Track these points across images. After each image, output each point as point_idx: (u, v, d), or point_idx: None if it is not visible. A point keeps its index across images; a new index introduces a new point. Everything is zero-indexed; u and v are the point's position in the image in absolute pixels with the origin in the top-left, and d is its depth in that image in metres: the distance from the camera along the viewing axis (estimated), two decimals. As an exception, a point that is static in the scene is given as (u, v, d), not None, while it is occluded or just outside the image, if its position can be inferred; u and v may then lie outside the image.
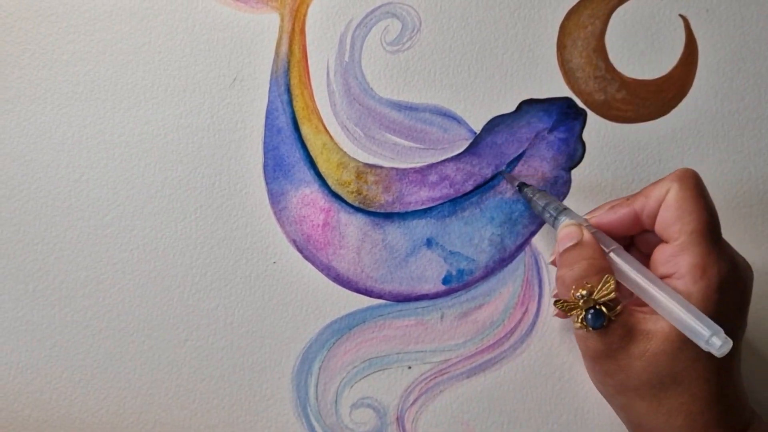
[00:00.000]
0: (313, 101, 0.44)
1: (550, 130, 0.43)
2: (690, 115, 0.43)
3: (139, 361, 0.43)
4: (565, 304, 0.35)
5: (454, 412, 0.43)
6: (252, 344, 0.43)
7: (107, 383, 0.43)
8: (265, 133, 0.44)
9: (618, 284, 0.35)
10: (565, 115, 0.44)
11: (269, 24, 0.44)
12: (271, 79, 0.44)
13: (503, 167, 0.43)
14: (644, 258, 0.38)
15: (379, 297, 0.43)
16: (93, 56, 0.44)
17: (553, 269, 0.43)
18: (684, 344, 0.33)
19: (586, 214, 0.39)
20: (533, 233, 0.43)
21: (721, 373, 0.34)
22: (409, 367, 0.43)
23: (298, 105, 0.44)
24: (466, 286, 0.43)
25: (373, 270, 0.43)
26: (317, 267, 0.43)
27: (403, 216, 0.43)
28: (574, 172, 0.43)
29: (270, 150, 0.44)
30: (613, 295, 0.34)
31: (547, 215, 0.39)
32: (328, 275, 0.43)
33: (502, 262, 0.43)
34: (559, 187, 0.43)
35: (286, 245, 0.43)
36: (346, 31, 0.44)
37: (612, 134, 0.43)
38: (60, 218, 0.44)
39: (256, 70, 0.44)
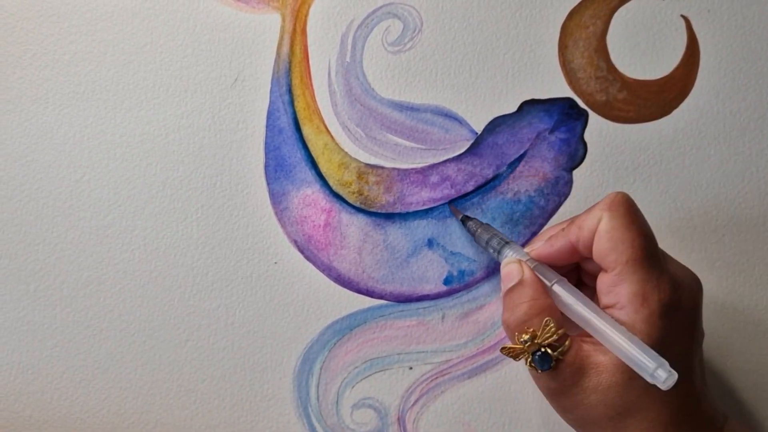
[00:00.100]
0: (315, 101, 0.44)
1: (552, 131, 0.43)
2: (691, 116, 0.43)
3: (140, 362, 0.43)
4: (511, 350, 0.35)
5: (455, 412, 0.43)
6: (253, 344, 0.43)
7: (108, 383, 0.43)
8: (266, 134, 0.44)
9: (564, 319, 0.35)
10: (566, 116, 0.43)
11: (270, 24, 0.44)
12: (272, 80, 0.44)
13: (503, 167, 0.43)
14: (592, 283, 0.38)
15: (381, 297, 0.43)
16: (94, 56, 0.44)
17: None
18: (635, 373, 0.33)
19: (527, 246, 0.39)
20: (534, 233, 0.43)
21: (679, 393, 0.34)
22: (411, 368, 0.43)
23: (300, 105, 0.44)
24: (468, 286, 0.43)
25: (375, 270, 0.43)
26: (318, 267, 0.43)
27: (405, 216, 0.43)
28: (575, 172, 0.43)
29: (271, 150, 0.44)
30: (555, 336, 0.34)
31: (491, 250, 0.40)
32: (329, 276, 0.43)
33: (503, 262, 0.43)
34: (561, 187, 0.43)
35: (288, 245, 0.43)
36: (347, 32, 0.44)
37: (613, 135, 0.43)
38: (61, 218, 0.44)
39: (258, 71, 0.44)
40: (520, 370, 0.43)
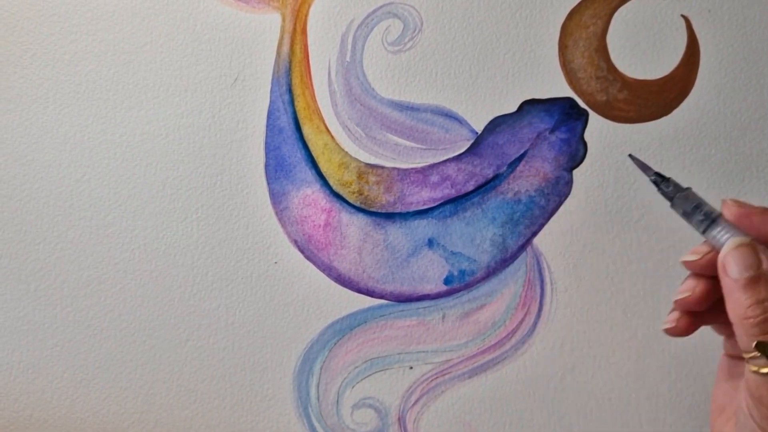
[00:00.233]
0: (315, 101, 0.44)
1: (552, 131, 0.43)
2: (692, 116, 0.43)
3: (140, 361, 0.43)
4: (767, 347, 0.30)
5: (455, 412, 0.43)
6: (253, 344, 0.43)
7: (108, 383, 0.43)
8: (266, 133, 0.44)
9: None
10: (566, 116, 0.43)
11: (271, 24, 0.44)
12: (272, 79, 0.44)
13: (504, 167, 0.43)
14: None
15: (381, 297, 0.43)
16: (95, 56, 0.44)
17: (555, 270, 0.43)
18: None
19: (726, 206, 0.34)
20: (535, 233, 0.43)
21: None
22: (411, 368, 0.43)
23: (300, 105, 0.44)
24: (468, 286, 0.43)
25: (375, 270, 0.43)
26: (318, 267, 0.43)
27: (405, 216, 0.43)
28: (575, 172, 0.43)
29: (271, 150, 0.44)
30: None
31: (696, 221, 0.34)
32: (329, 275, 0.43)
33: (503, 262, 0.43)
34: (561, 187, 0.43)
35: (288, 245, 0.43)
36: (347, 31, 0.44)
37: (614, 134, 0.43)
38: (61, 218, 0.44)
39: (258, 70, 0.44)
40: (520, 369, 0.42)
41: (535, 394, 0.42)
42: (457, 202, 0.43)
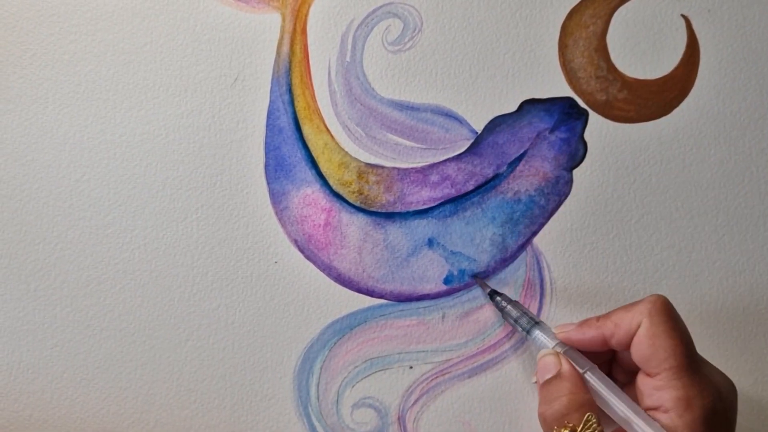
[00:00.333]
0: (315, 101, 0.44)
1: (552, 130, 0.43)
2: (692, 115, 0.43)
3: (140, 361, 0.43)
4: None
5: (455, 412, 0.43)
6: (253, 344, 0.43)
7: (108, 383, 0.43)
8: (266, 133, 0.44)
9: (601, 414, 0.35)
10: (566, 115, 0.44)
11: (271, 24, 0.44)
12: (272, 79, 0.44)
13: (504, 166, 0.43)
14: (621, 374, 0.39)
15: (381, 297, 0.43)
16: (94, 56, 0.44)
17: (555, 270, 0.43)
18: None
19: (556, 327, 0.39)
20: (535, 233, 0.43)
21: None
22: (411, 367, 0.43)
23: (300, 105, 0.44)
24: (468, 286, 0.43)
25: (375, 270, 0.43)
26: (318, 267, 0.43)
27: (405, 216, 0.43)
28: (575, 172, 0.43)
29: (271, 150, 0.44)
30: None
31: (519, 328, 0.40)
32: (329, 275, 0.43)
33: (503, 262, 0.43)
34: (561, 187, 0.43)
35: (288, 245, 0.43)
36: (347, 31, 0.44)
37: (614, 134, 0.43)
38: (61, 218, 0.44)
39: (258, 70, 0.44)
40: (520, 369, 0.42)
41: (535, 394, 0.42)
42: (457, 201, 0.43)
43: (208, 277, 0.43)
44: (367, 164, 0.44)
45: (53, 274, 0.43)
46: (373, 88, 0.44)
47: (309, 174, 0.44)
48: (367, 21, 0.44)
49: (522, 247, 0.43)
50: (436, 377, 0.43)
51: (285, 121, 0.44)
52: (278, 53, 0.44)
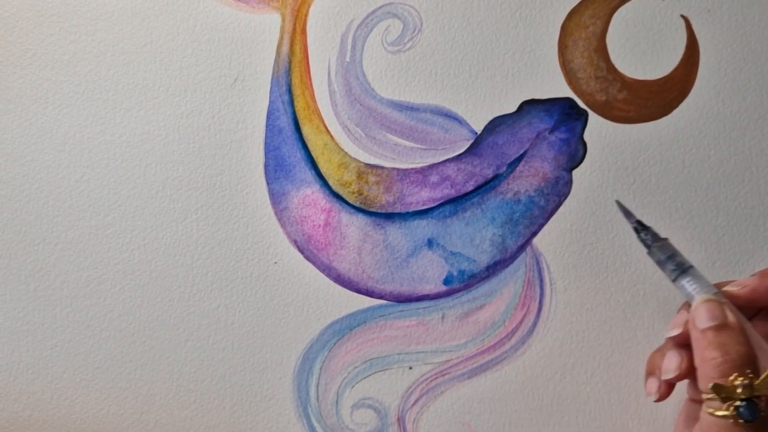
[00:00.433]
0: (314, 101, 0.44)
1: (552, 131, 0.43)
2: (691, 116, 0.43)
3: (140, 362, 0.43)
4: (723, 389, 0.32)
5: (455, 412, 0.43)
6: (253, 344, 0.43)
7: (108, 383, 0.43)
8: (266, 133, 0.44)
9: None
10: (566, 116, 0.43)
11: (270, 24, 0.44)
12: (272, 79, 0.44)
13: (503, 167, 0.43)
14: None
15: (380, 297, 0.43)
16: (94, 56, 0.44)
17: (554, 270, 0.43)
18: None
19: (730, 285, 0.37)
20: (534, 233, 0.43)
21: None
22: (410, 368, 0.43)
23: (299, 105, 0.44)
24: (468, 286, 0.43)
25: (374, 270, 0.43)
26: (318, 267, 0.43)
27: (404, 216, 0.43)
28: (575, 172, 0.43)
29: (271, 150, 0.44)
30: None
31: (667, 273, 0.37)
32: (329, 275, 0.43)
33: (503, 262, 0.43)
34: (561, 187, 0.43)
35: (287, 245, 0.43)
36: (347, 31, 0.44)
37: (613, 135, 0.43)
38: (61, 218, 0.44)
39: (257, 71, 0.44)
40: (520, 370, 0.42)
41: (535, 394, 0.42)
42: (456, 202, 0.43)
43: (208, 278, 0.43)
44: (367, 165, 0.44)
45: (53, 274, 0.43)
46: (373, 88, 0.44)
47: (309, 174, 0.44)
48: (367, 21, 0.44)
49: (522, 248, 0.43)
50: (436, 378, 0.43)
51: (285, 121, 0.44)
52: (278, 53, 0.44)
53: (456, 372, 0.43)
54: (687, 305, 0.37)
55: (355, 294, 0.43)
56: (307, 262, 0.43)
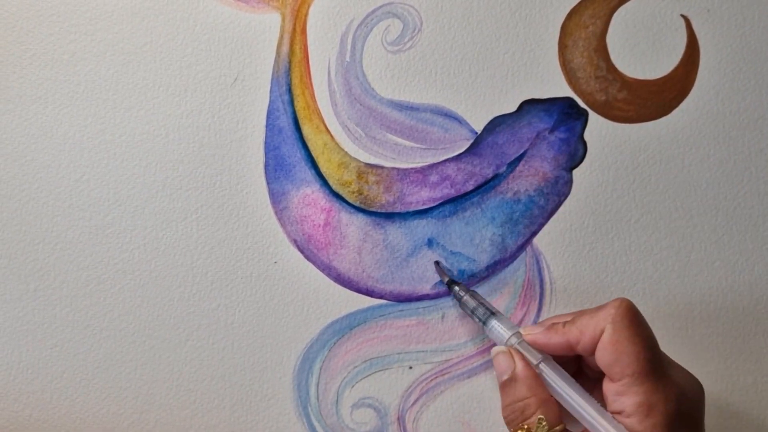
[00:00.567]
0: (314, 101, 0.44)
1: (551, 130, 0.43)
2: (691, 115, 0.43)
3: (139, 361, 0.43)
4: None
5: (455, 412, 0.43)
6: (253, 344, 0.43)
7: (108, 383, 0.43)
8: (266, 133, 0.44)
9: (563, 413, 0.36)
10: (566, 115, 0.44)
11: (270, 24, 0.44)
12: (272, 79, 0.44)
13: (503, 167, 0.43)
14: (589, 372, 0.39)
15: (380, 297, 0.43)
16: (94, 56, 0.44)
17: (554, 270, 0.43)
18: None
19: (524, 328, 0.39)
20: (534, 233, 0.43)
21: None
22: (410, 367, 0.43)
23: (299, 105, 0.44)
24: (467, 286, 0.43)
25: (374, 270, 0.43)
26: (318, 267, 0.43)
27: (404, 216, 0.43)
28: (575, 172, 0.43)
29: (271, 150, 0.44)
30: None
31: (476, 319, 0.40)
32: (329, 275, 0.43)
33: (503, 262, 0.43)
34: (560, 187, 0.43)
35: (287, 245, 0.43)
36: (347, 31, 0.44)
37: (613, 134, 0.43)
38: (61, 218, 0.44)
39: (257, 70, 0.44)
40: (519, 369, 0.43)
41: (535, 394, 0.42)
42: (456, 201, 0.43)
43: (208, 277, 0.43)
44: (367, 164, 0.44)
45: (53, 274, 0.43)
46: (373, 88, 0.44)
47: (309, 174, 0.44)
48: (367, 21, 0.44)
49: (522, 248, 0.43)
50: (436, 377, 0.43)
51: (285, 121, 0.44)
52: (278, 53, 0.44)
53: (456, 371, 0.43)
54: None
55: (355, 294, 0.43)
56: (307, 262, 0.43)
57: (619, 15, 0.44)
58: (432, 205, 0.43)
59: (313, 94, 0.44)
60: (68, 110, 0.44)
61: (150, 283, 0.43)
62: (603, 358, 0.35)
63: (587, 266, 0.43)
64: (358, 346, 0.43)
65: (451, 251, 0.43)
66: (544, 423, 0.35)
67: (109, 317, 0.43)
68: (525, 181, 0.43)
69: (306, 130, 0.44)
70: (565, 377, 0.36)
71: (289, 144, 0.44)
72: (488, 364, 0.43)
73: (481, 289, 0.43)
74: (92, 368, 0.43)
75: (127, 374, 0.43)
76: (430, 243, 0.43)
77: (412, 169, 0.44)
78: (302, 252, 0.43)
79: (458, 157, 0.43)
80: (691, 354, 0.42)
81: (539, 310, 0.43)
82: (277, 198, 0.44)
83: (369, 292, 0.43)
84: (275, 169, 0.44)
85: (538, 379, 0.37)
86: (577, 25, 0.44)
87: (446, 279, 0.42)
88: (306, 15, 0.44)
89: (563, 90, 0.44)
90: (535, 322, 0.43)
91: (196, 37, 0.44)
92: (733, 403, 0.42)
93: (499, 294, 0.43)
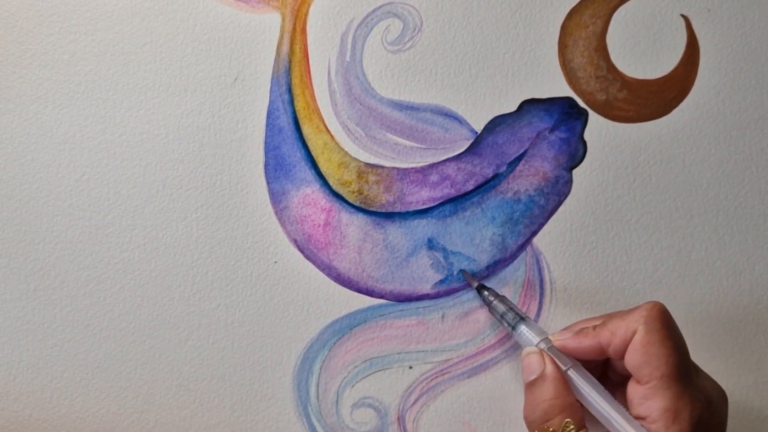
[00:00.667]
0: (314, 101, 0.44)
1: (552, 130, 0.43)
2: (691, 115, 0.43)
3: (139, 361, 0.43)
4: None
5: (455, 412, 0.43)
6: (253, 344, 0.43)
7: (108, 383, 0.43)
8: (266, 133, 0.44)
9: (587, 417, 0.36)
10: (566, 115, 0.44)
11: (270, 24, 0.44)
12: (272, 79, 0.44)
13: (503, 166, 0.43)
14: (616, 378, 0.38)
15: (380, 297, 0.43)
16: (94, 56, 0.44)
17: (554, 270, 0.43)
18: None
19: (553, 335, 0.39)
20: (535, 233, 0.43)
21: None
22: (410, 367, 0.43)
23: (299, 104, 0.44)
24: (468, 286, 0.43)
25: (374, 270, 0.43)
26: (318, 267, 0.43)
27: (404, 216, 0.43)
28: (575, 171, 0.43)
29: (271, 149, 0.44)
30: None
31: (506, 324, 0.40)
32: (329, 275, 0.43)
33: (503, 261, 0.43)
34: (561, 186, 0.43)
35: (287, 245, 0.43)
36: (347, 31, 0.44)
37: (613, 134, 0.43)
38: (61, 218, 0.44)
39: (258, 70, 0.44)
40: (519, 369, 0.42)
41: (535, 394, 0.42)
42: (456, 201, 0.43)
43: (208, 277, 0.43)
44: (367, 164, 0.44)
45: (53, 274, 0.43)
46: (373, 87, 0.44)
47: (309, 174, 0.44)
48: (367, 21, 0.44)
49: (522, 247, 0.43)
50: (436, 377, 0.43)
51: (285, 120, 0.44)
52: (278, 53, 0.44)
53: (456, 371, 0.43)
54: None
55: (355, 293, 0.43)
56: (307, 262, 0.43)
57: (619, 15, 0.44)
58: (432, 204, 0.43)
59: (313, 94, 0.44)
60: (68, 110, 0.44)
61: (150, 283, 0.43)
62: (633, 359, 0.35)
63: (587, 266, 0.43)
64: (358, 346, 0.43)
65: (451, 251, 0.43)
66: (571, 426, 0.35)
67: (109, 317, 0.43)
68: (525, 181, 0.43)
69: (306, 129, 0.44)
70: (594, 384, 0.36)
71: (289, 144, 0.44)
72: (488, 364, 0.43)
73: (481, 289, 0.43)
74: (92, 368, 0.43)
75: (127, 374, 0.43)
76: (430, 243, 0.43)
77: (412, 168, 0.44)
78: (302, 252, 0.43)
79: (458, 157, 0.43)
80: (692, 354, 0.42)
81: (539, 309, 0.43)
82: (277, 198, 0.44)
83: (369, 292, 0.43)
84: (275, 169, 0.44)
85: (566, 382, 0.36)
86: (577, 25, 0.44)
87: (476, 284, 0.42)
88: (306, 15, 0.44)
89: (563, 90, 0.44)
90: (535, 322, 0.43)
91: (196, 37, 0.44)
92: (734, 403, 0.42)
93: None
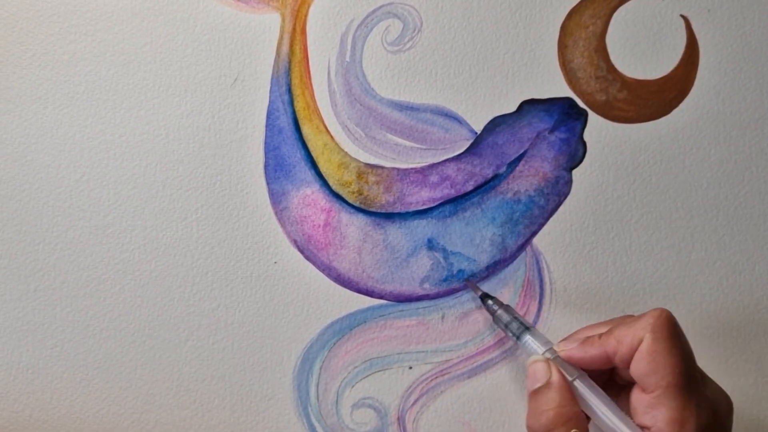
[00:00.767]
0: (314, 101, 0.44)
1: (551, 131, 0.43)
2: (691, 115, 0.43)
3: (139, 361, 0.43)
4: None
5: (455, 412, 0.43)
6: (253, 344, 0.43)
7: (108, 383, 0.43)
8: (266, 133, 0.44)
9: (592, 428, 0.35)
10: (566, 116, 0.43)
11: (270, 24, 0.44)
12: (272, 79, 0.44)
13: (503, 167, 0.43)
14: (621, 387, 0.38)
15: (380, 297, 0.43)
16: (94, 56, 0.44)
17: (554, 270, 0.43)
18: None
19: (557, 344, 0.38)
20: (534, 233, 0.43)
21: None
22: (410, 368, 0.43)
23: (299, 105, 0.44)
24: (468, 286, 0.43)
25: (374, 270, 0.43)
26: (318, 267, 0.43)
27: (404, 216, 0.43)
28: (575, 172, 0.43)
29: (271, 150, 0.44)
30: None
31: (510, 333, 0.40)
32: (329, 275, 0.43)
33: (503, 262, 0.43)
34: (561, 187, 0.43)
35: (287, 245, 0.43)
36: (347, 31, 0.44)
37: (613, 134, 0.43)
38: (61, 218, 0.44)
39: (257, 70, 0.44)
40: (519, 370, 0.42)
41: (535, 394, 0.42)
42: (456, 202, 0.43)
43: (208, 277, 0.43)
44: (367, 164, 0.44)
45: (53, 274, 0.43)
46: (373, 88, 0.44)
47: (308, 174, 0.44)
48: (367, 21, 0.44)
49: (522, 248, 0.43)
50: (436, 377, 0.43)
51: (285, 121, 0.44)
52: (278, 53, 0.44)
53: (456, 372, 0.43)
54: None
55: (355, 294, 0.43)
56: (307, 262, 0.43)
57: (619, 15, 0.44)
58: (432, 205, 0.43)
59: (313, 94, 0.44)
60: (68, 110, 0.44)
61: (150, 283, 0.43)
62: (639, 368, 0.34)
63: (587, 266, 0.43)
64: (358, 347, 0.43)
65: (451, 251, 0.43)
66: None
67: (109, 317, 0.43)
68: (525, 181, 0.43)
69: (306, 130, 0.44)
70: (601, 395, 0.36)
71: (289, 144, 0.44)
72: (488, 365, 0.43)
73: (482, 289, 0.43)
74: (92, 368, 0.43)
75: (127, 374, 0.43)
76: (430, 243, 0.43)
77: (412, 169, 0.44)
78: (302, 252, 0.43)
79: (458, 158, 0.43)
80: (691, 354, 0.42)
81: (539, 310, 0.43)
82: (277, 198, 0.44)
83: (369, 293, 0.43)
84: (275, 169, 0.44)
85: (571, 392, 0.36)
86: (577, 25, 0.44)
87: (480, 293, 0.42)
88: (306, 15, 0.44)
89: (563, 90, 0.44)
90: (535, 323, 0.43)
91: (196, 37, 0.44)
92: (734, 404, 0.42)
93: (499, 294, 0.43)
